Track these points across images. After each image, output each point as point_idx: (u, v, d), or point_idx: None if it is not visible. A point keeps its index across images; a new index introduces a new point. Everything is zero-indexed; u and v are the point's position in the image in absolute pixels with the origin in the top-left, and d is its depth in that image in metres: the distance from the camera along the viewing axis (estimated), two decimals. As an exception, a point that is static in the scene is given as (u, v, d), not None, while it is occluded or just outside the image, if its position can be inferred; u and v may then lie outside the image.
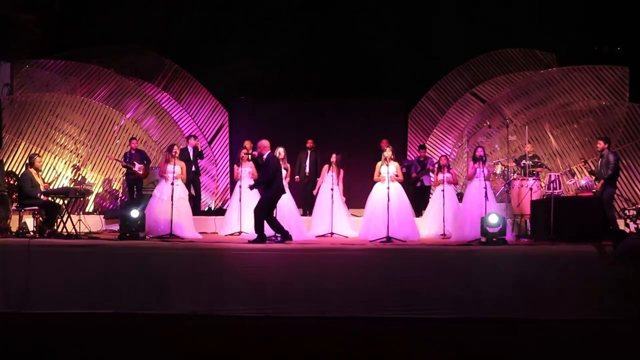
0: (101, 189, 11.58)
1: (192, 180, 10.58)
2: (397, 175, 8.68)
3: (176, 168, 8.66)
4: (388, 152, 8.75)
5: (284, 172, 8.63)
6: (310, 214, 9.88)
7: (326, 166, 9.55)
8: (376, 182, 8.88)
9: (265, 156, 7.99)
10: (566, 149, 11.40)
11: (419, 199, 10.72)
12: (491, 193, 8.24)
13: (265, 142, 8.09)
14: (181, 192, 8.71)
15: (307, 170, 10.82)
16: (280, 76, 13.10)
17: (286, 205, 8.52)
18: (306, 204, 10.84)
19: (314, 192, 9.81)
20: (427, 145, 12.84)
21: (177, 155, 8.73)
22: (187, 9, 12.64)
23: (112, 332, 6.03)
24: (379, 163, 8.91)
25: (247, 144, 10.64)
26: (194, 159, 10.70)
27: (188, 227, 8.64)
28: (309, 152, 10.93)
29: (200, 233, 9.03)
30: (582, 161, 9.33)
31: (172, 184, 8.48)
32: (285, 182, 8.69)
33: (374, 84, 13.17)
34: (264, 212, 7.86)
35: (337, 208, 9.10)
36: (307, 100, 13.46)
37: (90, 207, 11.19)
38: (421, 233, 9.05)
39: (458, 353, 5.41)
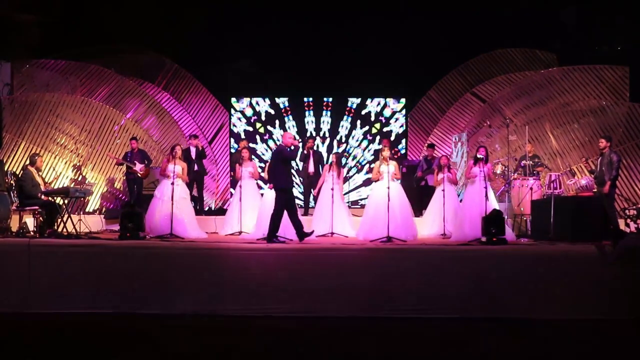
0: (101, 189, 11.59)
1: (195, 180, 10.60)
2: (395, 174, 8.68)
3: (177, 168, 8.65)
4: (387, 152, 8.75)
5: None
6: (311, 214, 9.87)
7: (327, 166, 9.55)
8: (374, 181, 8.87)
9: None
10: (566, 149, 11.39)
11: (423, 199, 10.66)
12: (491, 193, 8.24)
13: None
14: (182, 192, 8.71)
15: (309, 170, 10.82)
16: (281, 76, 13.10)
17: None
18: (306, 204, 10.85)
19: (314, 192, 9.80)
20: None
21: (177, 155, 8.73)
22: (187, 8, 12.62)
23: (112, 332, 6.03)
24: (377, 163, 8.91)
25: (245, 143, 10.68)
26: (196, 158, 10.71)
27: (191, 226, 8.64)
28: (310, 152, 10.92)
29: (202, 232, 9.02)
30: (583, 160, 9.32)
31: (173, 183, 8.48)
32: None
33: (374, 84, 13.16)
34: None
35: (338, 208, 9.08)
36: (306, 99, 13.47)
37: (90, 207, 11.20)
38: (421, 233, 9.05)
39: (458, 353, 5.41)
